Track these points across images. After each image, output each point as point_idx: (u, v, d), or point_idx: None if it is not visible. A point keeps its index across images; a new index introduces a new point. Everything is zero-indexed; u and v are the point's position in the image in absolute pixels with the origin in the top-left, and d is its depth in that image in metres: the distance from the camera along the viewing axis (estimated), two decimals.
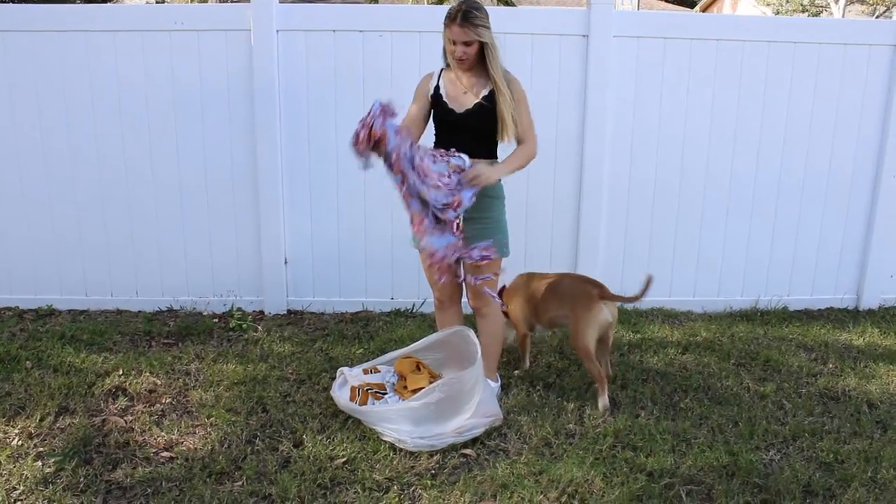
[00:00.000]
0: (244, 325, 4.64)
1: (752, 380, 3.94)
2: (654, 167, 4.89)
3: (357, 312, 4.97)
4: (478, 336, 3.48)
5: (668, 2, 26.61)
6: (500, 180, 3.39)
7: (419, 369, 3.59)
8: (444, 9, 4.92)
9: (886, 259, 5.12)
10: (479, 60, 3.27)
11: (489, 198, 3.36)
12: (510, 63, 3.40)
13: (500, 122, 3.27)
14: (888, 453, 3.16)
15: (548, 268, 4.82)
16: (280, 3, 4.58)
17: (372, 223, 4.87)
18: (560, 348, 4.31)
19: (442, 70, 3.42)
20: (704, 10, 25.35)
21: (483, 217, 3.36)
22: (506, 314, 3.83)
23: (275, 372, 3.94)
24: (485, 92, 3.29)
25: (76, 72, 4.62)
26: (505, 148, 3.40)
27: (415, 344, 3.69)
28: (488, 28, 3.21)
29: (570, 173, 4.82)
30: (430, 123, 3.48)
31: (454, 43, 3.20)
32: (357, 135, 3.04)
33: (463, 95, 3.33)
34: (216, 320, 4.77)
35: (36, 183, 4.75)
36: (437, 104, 3.37)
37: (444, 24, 3.23)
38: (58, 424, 3.33)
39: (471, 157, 3.23)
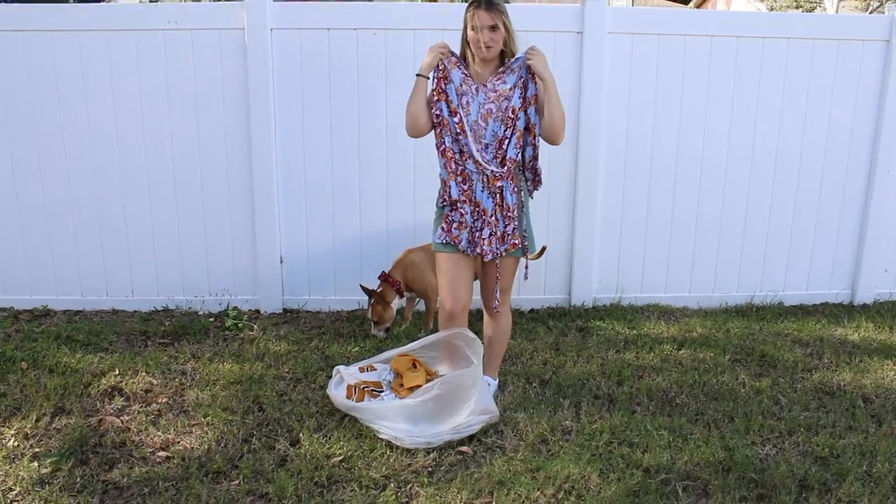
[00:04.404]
0: (240, 325, 4.63)
1: (748, 375, 3.95)
2: (649, 164, 4.89)
3: (353, 311, 4.96)
4: (485, 336, 3.58)
5: None
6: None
7: (415, 367, 3.59)
8: (437, 7, 4.94)
9: (881, 254, 5.13)
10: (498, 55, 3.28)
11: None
12: None
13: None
14: (883, 447, 3.17)
15: (543, 267, 4.86)
16: (274, 1, 4.57)
17: (367, 220, 4.87)
18: (556, 345, 4.32)
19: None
20: (699, 6, 25.32)
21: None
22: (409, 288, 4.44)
23: (271, 371, 3.93)
24: None
25: (69, 72, 4.60)
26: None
27: (412, 343, 3.69)
28: (508, 17, 3.21)
29: (564, 172, 4.82)
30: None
31: (479, 30, 3.16)
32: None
33: None
34: (212, 319, 4.76)
35: (30, 183, 4.74)
36: None
37: (468, 12, 3.19)
38: (54, 425, 3.33)
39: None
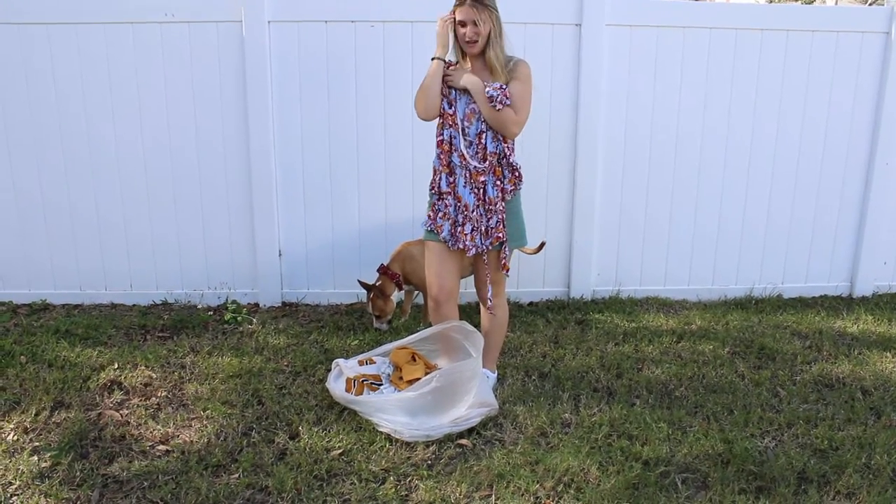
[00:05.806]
0: (239, 318, 4.63)
1: (747, 367, 3.95)
2: (648, 157, 4.88)
3: (352, 304, 4.96)
4: (482, 328, 3.57)
5: None
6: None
7: (415, 360, 3.60)
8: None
9: (880, 246, 5.13)
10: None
11: None
12: None
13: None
14: (882, 439, 3.18)
15: (541, 260, 4.85)
16: None
17: (365, 214, 4.86)
18: (555, 338, 4.32)
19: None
20: None
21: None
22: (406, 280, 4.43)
23: (270, 364, 3.93)
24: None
25: (66, 65, 4.57)
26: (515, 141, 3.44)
27: (411, 336, 3.68)
28: (496, 12, 3.24)
29: (563, 164, 4.81)
30: None
31: (464, 25, 3.21)
32: None
33: None
34: (211, 313, 4.75)
35: (28, 177, 4.72)
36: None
37: (454, 6, 3.25)
38: (53, 419, 3.33)
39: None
